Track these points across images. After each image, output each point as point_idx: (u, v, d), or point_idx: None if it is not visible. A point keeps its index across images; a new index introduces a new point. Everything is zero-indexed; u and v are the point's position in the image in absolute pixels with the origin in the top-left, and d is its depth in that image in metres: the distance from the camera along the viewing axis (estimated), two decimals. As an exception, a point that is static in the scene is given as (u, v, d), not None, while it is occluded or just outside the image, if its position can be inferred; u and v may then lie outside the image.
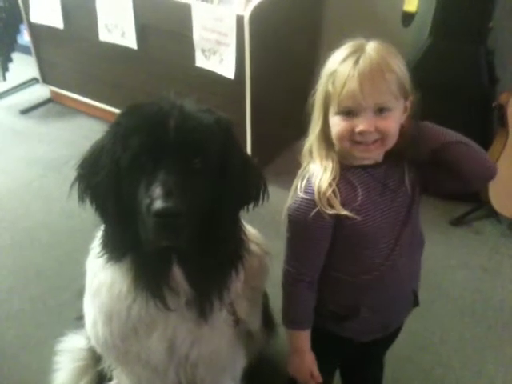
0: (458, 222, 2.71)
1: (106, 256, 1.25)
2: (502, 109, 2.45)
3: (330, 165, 1.23)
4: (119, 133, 1.17)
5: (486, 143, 2.52)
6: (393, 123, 1.18)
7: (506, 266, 2.48)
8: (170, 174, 1.09)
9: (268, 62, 2.72)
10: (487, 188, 2.52)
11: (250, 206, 1.29)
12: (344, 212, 1.20)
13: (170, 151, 1.11)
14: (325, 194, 1.20)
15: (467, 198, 2.73)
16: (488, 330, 2.17)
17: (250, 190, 1.27)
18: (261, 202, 1.29)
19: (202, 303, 1.26)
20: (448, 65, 2.56)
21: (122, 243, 1.21)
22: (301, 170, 1.31)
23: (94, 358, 1.71)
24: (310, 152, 1.28)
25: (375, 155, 1.23)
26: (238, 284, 1.33)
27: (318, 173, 1.23)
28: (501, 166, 2.47)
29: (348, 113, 1.17)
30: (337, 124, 1.19)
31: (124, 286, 1.26)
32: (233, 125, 1.25)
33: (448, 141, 1.21)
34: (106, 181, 1.18)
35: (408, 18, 2.57)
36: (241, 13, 2.53)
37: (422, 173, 1.29)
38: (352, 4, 2.95)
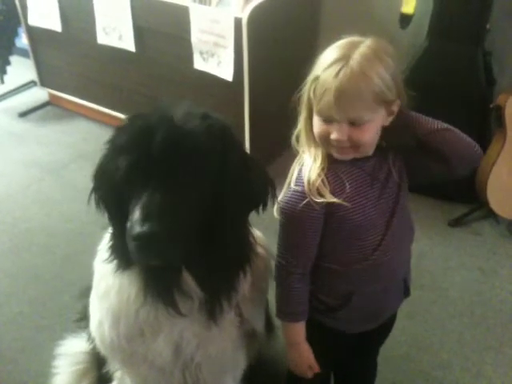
0: (456, 222, 2.71)
1: (114, 262, 1.25)
2: (499, 110, 2.45)
3: (319, 153, 1.25)
4: (113, 150, 1.17)
5: (483, 144, 2.52)
6: (367, 134, 1.19)
7: (504, 267, 2.48)
8: (155, 194, 1.07)
9: (266, 63, 2.72)
10: (485, 189, 2.52)
11: (260, 209, 1.27)
12: (333, 199, 1.22)
13: (156, 168, 1.09)
14: (314, 183, 1.22)
15: (465, 199, 2.73)
16: (487, 331, 2.17)
17: (255, 194, 1.25)
18: (270, 204, 1.27)
19: (213, 305, 1.26)
20: (446, 66, 2.56)
21: (129, 255, 1.19)
22: (297, 158, 1.33)
23: (94, 361, 1.71)
24: (301, 141, 1.31)
25: (351, 157, 1.24)
26: (245, 286, 1.34)
27: (308, 163, 1.26)
28: (499, 166, 2.48)
29: (325, 119, 1.20)
30: (316, 125, 1.23)
31: (132, 292, 1.26)
32: (229, 128, 1.21)
33: (435, 128, 1.24)
34: (110, 197, 1.19)
35: (406, 19, 2.57)
36: (239, 15, 2.53)
37: (408, 160, 1.31)
38: (350, 6, 2.95)
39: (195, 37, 2.69)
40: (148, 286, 1.23)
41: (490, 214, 2.69)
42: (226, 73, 2.68)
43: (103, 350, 1.44)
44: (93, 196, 1.24)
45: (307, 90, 1.23)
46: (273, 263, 1.47)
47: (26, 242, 2.62)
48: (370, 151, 1.26)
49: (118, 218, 1.18)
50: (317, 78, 1.18)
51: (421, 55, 2.57)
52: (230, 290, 1.27)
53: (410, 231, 1.41)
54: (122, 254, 1.21)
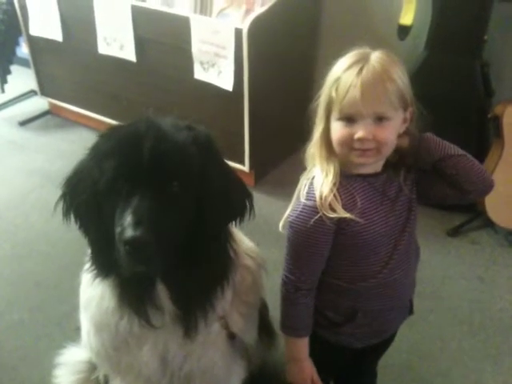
0: (454, 232, 2.72)
1: (94, 272, 1.25)
2: (497, 120, 2.47)
3: (331, 169, 1.25)
4: (97, 156, 1.17)
5: (482, 154, 2.55)
6: (390, 133, 1.20)
7: (502, 276, 2.49)
8: (144, 200, 1.08)
9: (266, 74, 2.75)
10: (483, 198, 2.53)
11: (238, 221, 1.28)
12: (346, 214, 1.21)
13: (145, 176, 1.10)
14: (326, 198, 1.22)
15: (464, 209, 2.74)
16: (486, 340, 2.18)
17: (233, 207, 1.25)
18: (247, 217, 1.27)
19: (187, 321, 1.26)
20: (444, 77, 2.59)
21: (106, 262, 1.20)
22: (304, 173, 1.32)
23: (94, 370, 1.71)
24: (313, 156, 1.30)
25: (371, 161, 1.24)
26: (224, 302, 1.32)
27: (319, 178, 1.26)
28: (497, 176, 2.50)
29: (349, 119, 1.19)
30: (337, 130, 1.22)
31: (112, 302, 1.26)
32: (212, 139, 1.23)
33: (451, 153, 1.24)
34: (87, 203, 1.18)
35: (404, 31, 2.60)
36: (239, 26, 2.56)
37: (421, 182, 1.32)
38: (349, 17, 2.99)
39: (196, 47, 2.71)
40: (123, 296, 1.23)
41: (489, 224, 2.70)
42: (227, 83, 2.70)
43: (93, 358, 1.45)
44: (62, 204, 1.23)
45: (327, 93, 1.23)
46: (264, 275, 1.46)
47: (27, 250, 2.62)
48: (380, 164, 1.27)
49: (95, 226, 1.18)
50: (338, 79, 1.20)
51: (419, 66, 2.60)
52: (205, 305, 1.26)
53: (416, 253, 1.41)
54: (100, 263, 1.22)
